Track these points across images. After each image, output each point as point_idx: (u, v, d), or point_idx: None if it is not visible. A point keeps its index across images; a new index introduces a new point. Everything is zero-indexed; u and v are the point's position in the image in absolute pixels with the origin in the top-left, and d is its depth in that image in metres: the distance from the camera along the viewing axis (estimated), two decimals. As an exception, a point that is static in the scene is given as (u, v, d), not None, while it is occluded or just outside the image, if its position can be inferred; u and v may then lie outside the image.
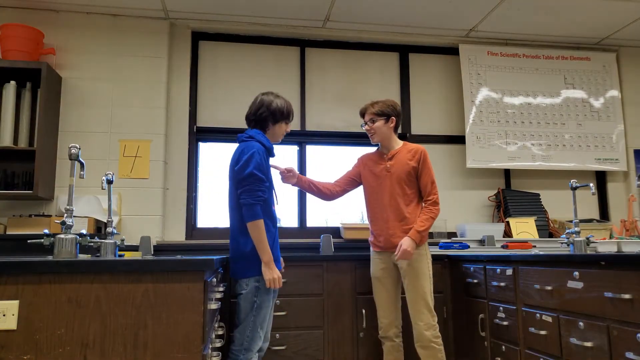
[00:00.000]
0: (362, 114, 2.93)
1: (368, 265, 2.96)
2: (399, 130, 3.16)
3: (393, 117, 2.87)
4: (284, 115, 2.52)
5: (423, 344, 2.66)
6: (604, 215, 4.24)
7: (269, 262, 2.30)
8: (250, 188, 2.31)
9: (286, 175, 2.85)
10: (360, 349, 3.08)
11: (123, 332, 1.47)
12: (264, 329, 2.38)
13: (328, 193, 2.96)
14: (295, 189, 3.94)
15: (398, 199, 2.79)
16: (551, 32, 4.12)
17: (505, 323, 2.60)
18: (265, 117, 2.48)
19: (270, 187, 2.45)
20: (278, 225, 2.59)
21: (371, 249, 2.93)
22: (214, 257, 1.72)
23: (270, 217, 2.42)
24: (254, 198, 2.30)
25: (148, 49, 3.72)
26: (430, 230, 3.94)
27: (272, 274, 2.30)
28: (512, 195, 4.00)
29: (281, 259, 2.55)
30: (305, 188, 2.92)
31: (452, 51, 4.24)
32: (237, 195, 2.36)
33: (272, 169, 2.59)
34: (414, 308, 2.70)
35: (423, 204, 2.83)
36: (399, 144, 2.92)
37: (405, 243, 2.67)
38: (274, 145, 2.56)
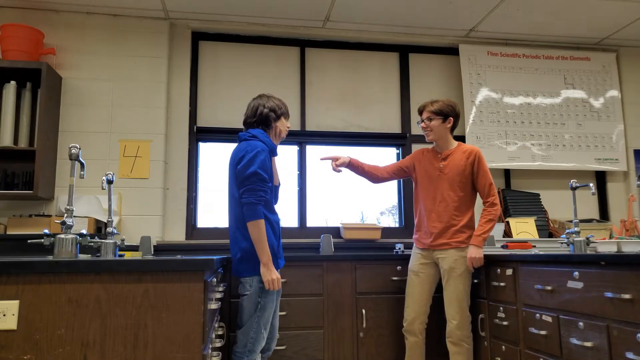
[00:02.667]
0: (420, 112, 2.94)
1: (368, 266, 2.97)
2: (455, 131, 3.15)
3: (451, 118, 2.87)
4: (283, 110, 2.53)
5: (453, 340, 2.73)
6: (604, 215, 4.24)
7: (267, 262, 2.30)
8: (252, 187, 2.30)
9: (338, 165, 2.92)
10: (360, 349, 3.08)
11: (123, 332, 1.47)
12: (267, 330, 2.38)
13: (375, 176, 3.01)
14: (295, 189, 3.94)
15: (448, 201, 2.82)
16: (551, 32, 4.12)
17: (505, 323, 2.61)
18: (267, 115, 2.48)
19: (272, 188, 2.45)
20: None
21: (414, 245, 2.96)
22: (214, 257, 1.72)
23: (273, 213, 2.43)
24: (256, 197, 2.29)
25: (148, 49, 3.72)
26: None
27: (271, 275, 2.30)
28: (512, 195, 4.00)
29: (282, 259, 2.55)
30: (352, 168, 2.98)
31: (452, 51, 4.24)
32: (239, 194, 2.35)
33: (323, 161, 2.79)
34: (450, 307, 2.76)
35: (483, 206, 2.86)
36: (453, 144, 2.92)
37: (472, 252, 2.74)
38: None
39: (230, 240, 2.47)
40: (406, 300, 2.89)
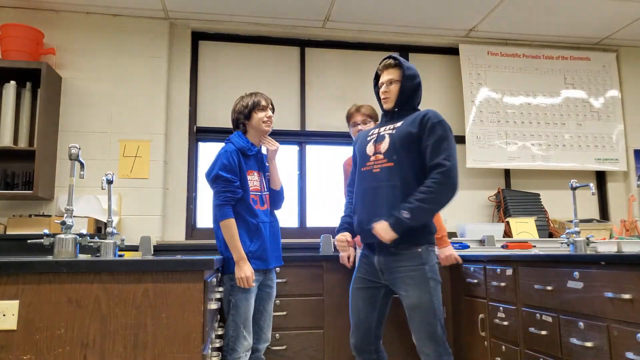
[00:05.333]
0: (351, 117, 2.97)
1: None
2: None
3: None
4: (250, 106, 2.54)
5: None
6: (604, 215, 4.24)
7: (238, 260, 2.33)
8: (217, 190, 2.39)
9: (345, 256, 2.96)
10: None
11: (123, 332, 1.47)
12: (247, 329, 2.36)
13: None
14: (295, 189, 3.94)
15: None
16: (551, 32, 4.12)
17: (505, 323, 2.60)
18: (236, 119, 2.58)
19: (245, 186, 2.44)
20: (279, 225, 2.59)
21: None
22: (214, 257, 1.72)
23: (251, 214, 2.42)
24: (221, 199, 2.37)
25: (148, 49, 3.72)
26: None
27: (241, 272, 2.31)
28: (512, 195, 4.00)
29: (277, 258, 2.56)
30: None
31: (452, 51, 4.24)
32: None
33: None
34: None
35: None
36: None
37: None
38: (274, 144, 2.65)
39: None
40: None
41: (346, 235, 2.34)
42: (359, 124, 2.91)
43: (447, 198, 2.13)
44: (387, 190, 2.18)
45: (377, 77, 2.40)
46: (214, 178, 2.39)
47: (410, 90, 2.29)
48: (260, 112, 2.55)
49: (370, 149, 2.31)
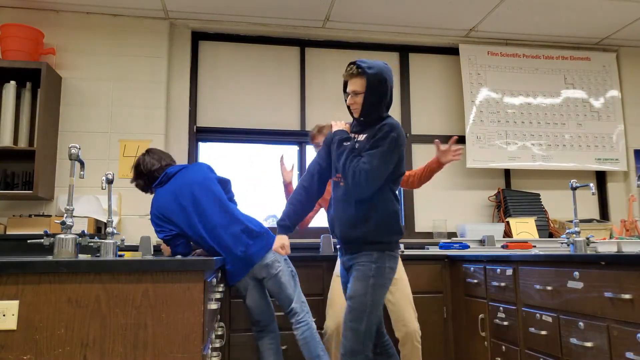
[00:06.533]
0: (313, 138, 3.03)
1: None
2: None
3: None
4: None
5: (415, 340, 2.72)
6: (604, 215, 4.24)
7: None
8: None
9: None
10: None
11: (123, 332, 1.47)
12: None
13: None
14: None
15: None
16: (551, 32, 4.12)
17: (505, 323, 2.61)
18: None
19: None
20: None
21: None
22: (214, 257, 1.72)
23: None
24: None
25: (148, 49, 3.72)
26: (431, 230, 3.95)
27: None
28: (512, 195, 4.00)
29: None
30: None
31: (452, 51, 4.24)
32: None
33: None
34: (404, 309, 2.77)
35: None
36: None
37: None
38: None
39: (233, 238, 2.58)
40: (330, 306, 2.81)
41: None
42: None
43: (354, 184, 2.15)
44: (344, 206, 2.25)
45: (345, 84, 2.30)
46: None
47: (376, 100, 2.21)
48: None
49: None
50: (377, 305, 2.17)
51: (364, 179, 2.12)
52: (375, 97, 2.21)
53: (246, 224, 2.54)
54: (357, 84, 2.21)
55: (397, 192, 2.31)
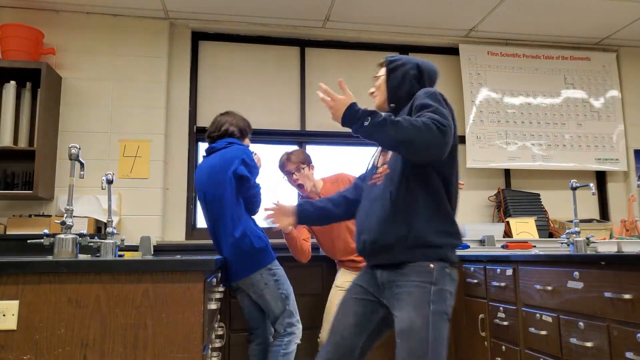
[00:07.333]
0: (283, 166, 2.91)
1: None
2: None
3: (312, 164, 2.97)
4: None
5: None
6: (604, 215, 4.24)
7: None
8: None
9: None
10: (360, 349, 3.07)
11: (123, 332, 1.47)
12: (297, 313, 2.61)
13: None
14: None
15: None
16: (551, 32, 4.12)
17: (505, 323, 2.60)
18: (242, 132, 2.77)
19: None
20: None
21: (342, 268, 3.01)
22: (214, 257, 1.72)
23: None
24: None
25: (148, 49, 3.72)
26: (430, 230, 3.95)
27: None
28: (512, 195, 4.00)
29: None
30: None
31: (452, 51, 4.24)
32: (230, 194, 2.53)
33: None
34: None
35: None
36: (321, 183, 3.00)
37: None
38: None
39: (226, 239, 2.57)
40: (326, 320, 2.82)
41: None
42: (293, 172, 2.88)
43: (423, 141, 1.58)
44: (380, 203, 1.78)
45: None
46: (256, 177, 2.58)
47: (399, 78, 1.90)
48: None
49: (379, 160, 1.98)
50: (440, 340, 1.61)
51: (437, 130, 1.57)
52: (398, 75, 1.89)
53: (236, 238, 2.47)
54: (378, 72, 1.99)
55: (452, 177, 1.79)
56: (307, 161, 2.92)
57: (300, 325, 2.58)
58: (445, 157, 1.67)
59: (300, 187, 2.90)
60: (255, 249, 2.48)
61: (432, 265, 1.68)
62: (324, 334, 2.77)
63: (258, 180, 2.62)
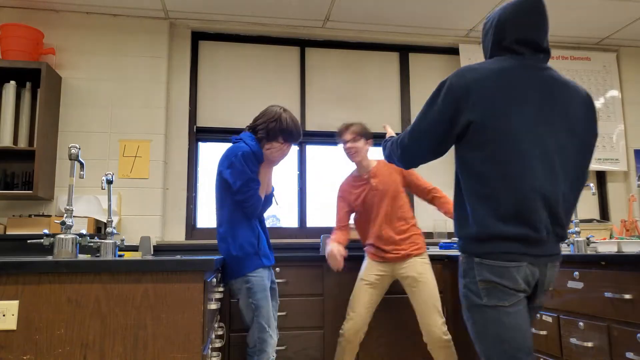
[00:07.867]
0: (341, 134, 2.96)
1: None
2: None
3: (370, 139, 2.98)
4: (282, 133, 2.52)
5: (443, 343, 2.71)
6: (604, 215, 4.24)
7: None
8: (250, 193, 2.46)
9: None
10: (360, 349, 3.07)
11: (123, 332, 1.47)
12: (272, 327, 2.42)
13: (348, 240, 3.01)
14: (295, 188, 3.94)
15: (392, 215, 2.87)
16: (551, 32, 4.12)
17: (505, 323, 2.60)
18: (262, 129, 2.51)
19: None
20: (278, 225, 2.60)
21: (368, 257, 2.96)
22: (214, 257, 1.72)
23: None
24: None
25: (148, 49, 3.72)
26: (431, 230, 3.95)
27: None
28: (512, 195, 3.99)
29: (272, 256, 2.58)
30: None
31: (452, 51, 4.24)
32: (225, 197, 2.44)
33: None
34: (429, 313, 2.73)
35: (430, 201, 3.02)
36: (373, 162, 3.00)
37: None
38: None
39: (218, 242, 2.52)
40: (353, 309, 2.83)
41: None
42: (348, 141, 2.91)
43: (387, 156, 1.83)
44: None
45: None
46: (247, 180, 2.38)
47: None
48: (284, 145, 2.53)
49: None
50: (484, 336, 1.51)
51: (398, 141, 1.73)
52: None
53: (218, 241, 2.46)
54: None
55: (482, 162, 1.53)
56: (365, 135, 2.93)
57: (272, 341, 2.40)
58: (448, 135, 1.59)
59: (352, 155, 2.92)
60: (232, 256, 2.39)
61: (462, 258, 1.65)
62: (348, 324, 2.79)
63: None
